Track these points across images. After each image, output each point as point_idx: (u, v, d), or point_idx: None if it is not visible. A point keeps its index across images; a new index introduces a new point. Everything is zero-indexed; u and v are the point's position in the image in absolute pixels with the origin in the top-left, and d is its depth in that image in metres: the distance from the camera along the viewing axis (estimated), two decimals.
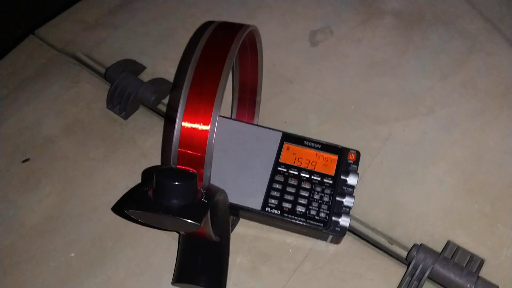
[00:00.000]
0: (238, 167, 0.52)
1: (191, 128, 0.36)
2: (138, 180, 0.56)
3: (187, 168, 0.35)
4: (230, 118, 0.57)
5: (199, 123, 0.36)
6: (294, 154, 0.53)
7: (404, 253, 0.51)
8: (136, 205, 0.32)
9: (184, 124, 0.36)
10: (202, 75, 0.37)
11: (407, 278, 0.48)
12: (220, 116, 0.54)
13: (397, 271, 0.49)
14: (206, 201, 0.34)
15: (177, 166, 0.36)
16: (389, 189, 0.55)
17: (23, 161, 0.58)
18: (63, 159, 0.58)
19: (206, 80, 0.37)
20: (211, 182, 0.38)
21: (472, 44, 0.67)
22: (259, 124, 0.57)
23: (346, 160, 0.53)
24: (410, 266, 0.48)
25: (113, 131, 0.61)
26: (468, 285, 0.45)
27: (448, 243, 0.50)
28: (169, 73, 0.66)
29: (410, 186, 0.55)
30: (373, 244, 0.52)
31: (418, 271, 0.47)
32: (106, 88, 0.64)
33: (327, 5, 0.73)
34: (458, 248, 0.49)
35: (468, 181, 0.55)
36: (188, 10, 0.74)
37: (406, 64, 0.65)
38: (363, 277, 0.49)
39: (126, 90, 0.61)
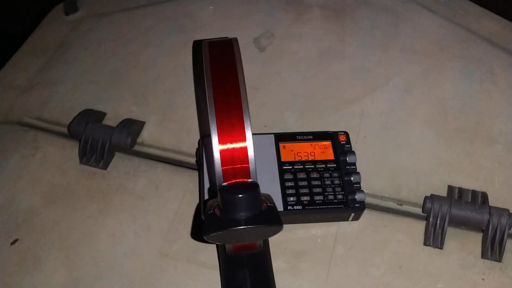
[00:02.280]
0: None
1: (229, 146, 0.37)
2: (145, 223, 0.54)
3: (241, 180, 0.35)
4: None
5: (235, 139, 0.37)
6: (292, 150, 0.55)
7: (415, 210, 0.55)
8: (215, 227, 0.32)
9: (221, 147, 0.36)
10: (223, 93, 0.38)
11: (431, 228, 0.52)
12: (208, 135, 0.55)
13: (418, 226, 0.53)
14: (272, 205, 0.34)
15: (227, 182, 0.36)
16: (381, 158, 0.59)
17: (12, 243, 0.53)
18: (55, 228, 0.54)
19: (229, 96, 0.38)
20: None
21: (395, 16, 0.75)
22: None
23: (339, 142, 0.56)
24: (431, 218, 0.51)
25: (97, 184, 0.58)
26: (486, 217, 0.50)
27: (450, 187, 0.55)
28: (133, 112, 0.64)
29: (397, 150, 0.59)
30: (387, 211, 0.55)
31: (438, 219, 0.51)
32: (71, 144, 0.61)
33: (257, 12, 0.76)
34: (460, 189, 0.54)
35: (443, 131, 0.61)
36: (126, 48, 0.72)
37: (349, 46, 0.71)
38: (392, 241, 0.52)
39: (99, 139, 0.58)
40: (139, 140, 0.62)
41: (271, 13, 0.76)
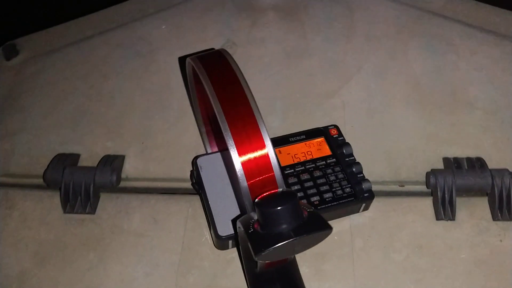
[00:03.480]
0: None
1: (250, 156, 0.35)
2: (152, 260, 0.50)
3: (273, 191, 0.33)
4: (210, 153, 0.54)
5: (254, 147, 0.35)
6: (288, 154, 0.54)
7: (418, 188, 0.55)
8: (266, 245, 0.29)
9: (242, 159, 0.34)
10: (231, 104, 0.36)
11: (440, 203, 0.52)
12: (201, 155, 0.52)
13: (426, 203, 0.53)
14: (311, 210, 0.32)
15: (258, 198, 0.33)
16: (373, 145, 0.59)
17: None
18: (54, 287, 0.49)
19: (238, 105, 0.36)
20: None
21: (347, 6, 0.76)
22: None
23: (331, 136, 0.55)
24: (438, 192, 0.52)
25: (89, 231, 0.53)
26: (489, 180, 0.51)
27: (445, 159, 0.56)
28: (109, 148, 0.60)
29: (386, 133, 0.60)
30: (391, 195, 0.55)
31: (446, 192, 0.52)
32: (49, 194, 0.56)
33: (213, 24, 0.74)
34: (455, 159, 0.56)
35: (424, 106, 0.62)
36: (84, 83, 0.68)
37: (313, 42, 0.71)
38: (405, 223, 0.52)
39: (81, 183, 0.54)
40: (122, 175, 0.58)
41: (227, 22, 0.74)
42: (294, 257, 0.46)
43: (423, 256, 0.50)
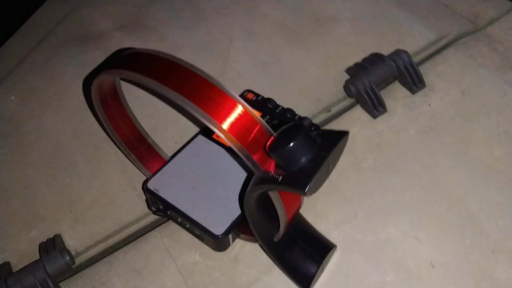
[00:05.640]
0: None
1: (231, 120, 0.33)
2: None
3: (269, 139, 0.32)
4: (155, 173, 0.50)
5: (229, 110, 0.33)
6: None
7: (342, 104, 0.59)
8: (308, 176, 0.28)
9: (224, 125, 0.32)
10: (183, 85, 0.33)
11: (369, 103, 0.56)
12: (148, 180, 0.48)
13: (357, 111, 0.57)
14: (318, 128, 0.32)
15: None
16: (285, 90, 0.60)
17: None
18: None
19: (190, 83, 0.33)
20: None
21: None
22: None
23: (251, 100, 0.55)
24: (364, 95, 0.55)
25: None
26: (393, 64, 0.57)
27: (348, 69, 0.60)
28: (36, 237, 0.51)
29: (289, 77, 0.62)
30: (329, 121, 0.57)
31: (370, 92, 0.55)
32: None
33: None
34: (355, 64, 0.60)
35: (302, 40, 0.65)
36: None
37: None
38: (353, 136, 0.55)
39: (33, 283, 0.45)
40: (71, 252, 0.50)
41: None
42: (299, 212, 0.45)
43: (384, 150, 0.53)
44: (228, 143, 0.32)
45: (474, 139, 0.53)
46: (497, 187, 0.49)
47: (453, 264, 0.45)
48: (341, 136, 0.31)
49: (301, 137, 0.30)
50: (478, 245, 0.46)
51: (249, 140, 0.33)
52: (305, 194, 0.28)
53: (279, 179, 0.30)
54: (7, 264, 0.49)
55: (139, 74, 0.34)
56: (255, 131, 0.33)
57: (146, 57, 0.35)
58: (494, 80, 0.57)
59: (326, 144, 0.30)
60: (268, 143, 0.31)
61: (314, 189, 0.29)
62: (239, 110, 0.33)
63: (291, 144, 0.29)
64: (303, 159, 0.30)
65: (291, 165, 0.30)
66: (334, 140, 0.30)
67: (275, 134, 0.33)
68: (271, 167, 0.33)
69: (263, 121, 0.34)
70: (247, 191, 0.35)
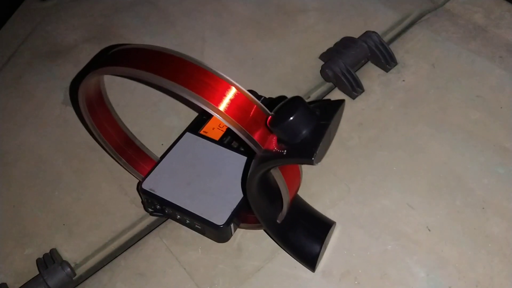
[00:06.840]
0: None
1: (227, 102, 0.33)
2: None
3: (269, 113, 0.33)
4: (147, 174, 0.49)
5: (223, 92, 0.33)
6: (213, 128, 0.52)
7: (321, 89, 0.60)
8: (314, 145, 0.29)
9: (220, 107, 0.33)
10: (177, 73, 0.33)
11: (347, 85, 0.57)
12: (142, 182, 0.48)
13: (337, 94, 0.58)
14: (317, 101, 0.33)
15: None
16: (264, 82, 0.61)
17: None
18: None
19: (184, 70, 0.34)
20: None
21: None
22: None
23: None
24: (341, 77, 0.57)
25: None
26: (365, 44, 0.59)
27: (322, 55, 0.62)
28: (31, 254, 0.50)
29: (266, 68, 0.63)
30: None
31: (346, 74, 0.57)
32: None
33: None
34: (328, 49, 0.62)
35: (272, 32, 0.67)
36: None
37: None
38: None
39: None
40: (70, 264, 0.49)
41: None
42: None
43: (367, 127, 0.55)
44: (227, 125, 0.33)
45: (450, 106, 0.55)
46: (477, 148, 0.51)
47: (448, 225, 0.47)
48: (338, 104, 0.32)
49: (301, 109, 0.31)
50: (468, 204, 0.48)
51: (248, 120, 0.33)
52: (312, 162, 0.29)
53: (284, 153, 0.31)
54: (4, 286, 0.48)
55: (133, 69, 0.34)
56: (252, 112, 0.34)
57: (136, 51, 0.35)
58: (460, 51, 0.60)
59: (325, 114, 0.31)
60: (268, 120, 0.32)
61: (320, 157, 0.30)
62: (234, 92, 0.34)
63: (293, 116, 0.30)
64: (305, 131, 0.31)
65: (294, 138, 0.31)
66: (332, 109, 0.31)
67: (272, 112, 0.34)
68: (271, 145, 0.34)
69: (258, 101, 0.34)
70: (249, 173, 0.35)
